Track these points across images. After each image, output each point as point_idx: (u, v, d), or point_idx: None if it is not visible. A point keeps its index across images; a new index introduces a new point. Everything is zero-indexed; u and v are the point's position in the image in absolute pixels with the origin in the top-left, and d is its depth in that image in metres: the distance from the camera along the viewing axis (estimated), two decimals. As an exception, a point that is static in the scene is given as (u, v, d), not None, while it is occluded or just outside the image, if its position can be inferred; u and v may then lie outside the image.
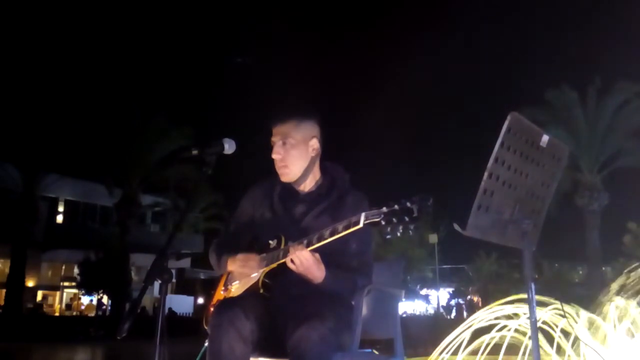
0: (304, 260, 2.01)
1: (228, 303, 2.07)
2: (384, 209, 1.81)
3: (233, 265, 2.22)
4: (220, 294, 2.32)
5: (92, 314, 25.01)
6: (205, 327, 2.11)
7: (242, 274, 2.21)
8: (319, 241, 2.00)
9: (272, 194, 2.34)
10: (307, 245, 2.02)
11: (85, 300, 28.87)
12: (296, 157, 2.25)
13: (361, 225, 1.88)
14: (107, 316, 22.54)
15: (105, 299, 23.95)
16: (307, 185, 2.32)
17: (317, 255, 2.04)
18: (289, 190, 2.32)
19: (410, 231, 1.79)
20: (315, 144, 2.29)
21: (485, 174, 1.94)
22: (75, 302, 29.64)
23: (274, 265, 2.11)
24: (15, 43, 20.48)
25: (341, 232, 1.94)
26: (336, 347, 1.96)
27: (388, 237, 1.82)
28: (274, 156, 2.26)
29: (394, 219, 1.79)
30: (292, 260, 2.03)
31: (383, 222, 1.81)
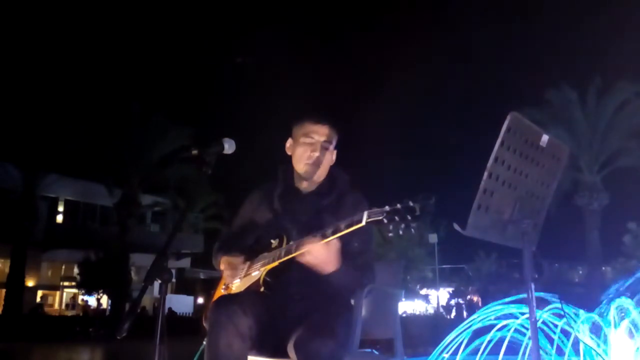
0: (318, 253, 1.99)
1: (226, 299, 2.08)
2: (387, 208, 1.80)
3: (222, 265, 2.30)
4: (220, 292, 2.34)
5: (74, 314, 24.92)
6: (205, 325, 2.11)
7: (243, 271, 2.24)
8: (320, 239, 1.99)
9: (272, 195, 2.35)
10: (322, 238, 2.00)
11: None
12: (328, 161, 2.33)
13: (364, 223, 1.86)
14: (97, 316, 22.52)
15: (104, 299, 23.92)
16: (310, 186, 2.34)
17: (336, 245, 2.00)
18: (290, 190, 2.34)
19: (412, 229, 1.77)
20: (335, 154, 2.38)
21: (485, 174, 1.93)
22: (74, 303, 29.58)
23: (276, 263, 2.12)
24: (15, 43, 20.49)
25: (343, 230, 1.93)
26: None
27: (390, 235, 1.80)
28: (314, 153, 2.26)
29: (397, 217, 1.77)
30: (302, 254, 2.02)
31: (385, 220, 1.80)
